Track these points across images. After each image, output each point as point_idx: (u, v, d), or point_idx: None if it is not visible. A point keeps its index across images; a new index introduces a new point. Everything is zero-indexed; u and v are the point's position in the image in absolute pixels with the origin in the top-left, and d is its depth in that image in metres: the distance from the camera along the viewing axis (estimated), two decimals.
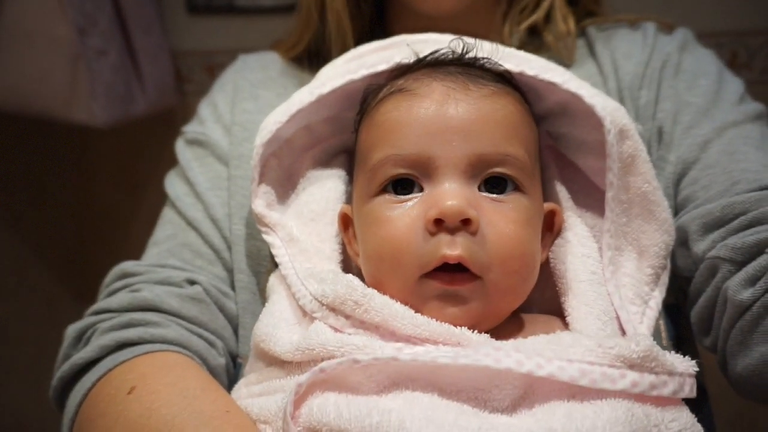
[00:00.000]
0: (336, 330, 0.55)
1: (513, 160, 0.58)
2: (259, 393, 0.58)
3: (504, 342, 0.52)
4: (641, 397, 0.50)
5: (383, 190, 0.59)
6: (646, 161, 0.62)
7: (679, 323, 0.71)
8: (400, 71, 0.64)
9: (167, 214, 0.76)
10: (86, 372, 0.63)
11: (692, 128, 0.70)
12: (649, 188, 0.62)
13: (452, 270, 0.55)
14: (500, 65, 0.63)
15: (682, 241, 0.66)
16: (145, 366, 0.61)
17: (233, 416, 0.55)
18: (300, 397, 0.49)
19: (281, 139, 0.67)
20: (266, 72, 0.81)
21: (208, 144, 0.77)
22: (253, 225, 0.69)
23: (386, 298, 0.55)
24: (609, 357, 0.49)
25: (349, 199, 0.67)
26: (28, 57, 1.31)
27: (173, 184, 0.77)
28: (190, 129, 0.80)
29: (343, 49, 0.74)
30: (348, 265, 0.65)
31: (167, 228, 0.74)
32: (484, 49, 0.63)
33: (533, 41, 0.78)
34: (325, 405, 0.48)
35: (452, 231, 0.54)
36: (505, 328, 0.58)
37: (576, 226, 0.63)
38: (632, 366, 0.50)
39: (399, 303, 0.54)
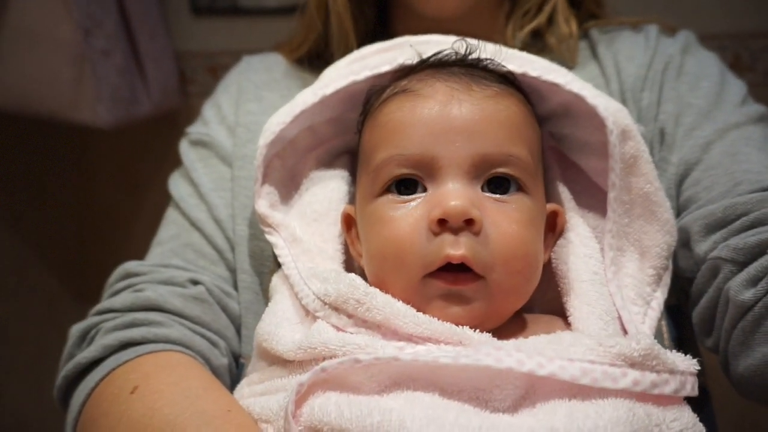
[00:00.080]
0: (338, 329, 0.55)
1: (516, 161, 0.58)
2: (261, 392, 0.58)
3: (505, 341, 0.52)
4: (643, 397, 0.50)
5: (387, 190, 0.59)
6: (648, 162, 0.62)
7: (681, 324, 0.71)
8: (403, 72, 0.64)
9: (171, 214, 0.76)
10: (90, 371, 0.63)
11: (694, 130, 0.70)
12: (651, 189, 0.62)
13: (455, 270, 0.55)
14: (503, 66, 0.63)
15: (684, 241, 0.66)
16: (148, 365, 0.61)
17: (235, 416, 0.55)
18: (301, 397, 0.49)
19: (285, 139, 0.67)
20: (270, 73, 0.82)
21: (211, 145, 0.77)
22: (257, 225, 0.69)
23: (388, 297, 0.55)
24: (610, 356, 0.49)
25: (351, 200, 0.67)
26: (33, 58, 1.31)
27: (177, 185, 0.77)
28: (194, 130, 0.80)
29: (346, 50, 0.74)
30: (350, 266, 0.65)
31: (171, 228, 0.75)
32: (487, 51, 0.63)
33: (536, 43, 0.78)
34: (326, 404, 0.48)
35: (456, 231, 0.55)
36: (508, 328, 0.58)
37: (578, 227, 0.63)
38: (633, 364, 0.50)
39: (401, 302, 0.54)
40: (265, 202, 0.66)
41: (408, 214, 0.57)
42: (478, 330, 0.53)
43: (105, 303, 0.68)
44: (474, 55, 0.63)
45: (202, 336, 0.66)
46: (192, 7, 1.55)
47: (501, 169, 0.57)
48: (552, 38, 0.78)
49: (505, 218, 0.56)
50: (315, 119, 0.68)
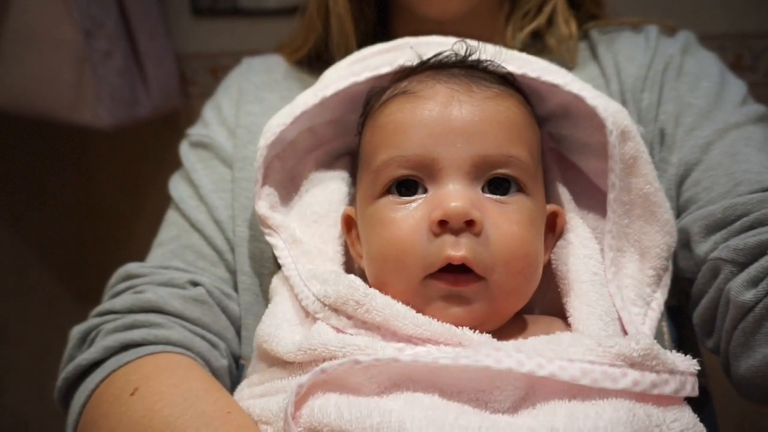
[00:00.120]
0: (338, 330, 0.55)
1: (516, 162, 0.58)
2: (261, 394, 0.58)
3: (505, 342, 0.52)
4: (643, 397, 0.50)
5: (387, 192, 0.59)
6: (647, 162, 0.62)
7: (682, 325, 0.71)
8: (404, 74, 0.64)
9: (171, 216, 0.76)
10: (90, 373, 0.63)
11: (694, 130, 0.70)
12: (651, 189, 0.62)
13: (456, 271, 0.55)
14: (503, 67, 0.63)
15: (684, 242, 0.66)
16: (149, 367, 0.61)
17: (235, 417, 0.55)
18: (301, 398, 0.49)
19: (285, 141, 0.67)
20: (270, 75, 0.82)
21: (212, 147, 0.77)
22: (257, 227, 0.69)
23: (388, 298, 0.55)
24: (610, 356, 0.49)
25: (351, 201, 0.67)
26: (34, 59, 1.31)
27: (177, 187, 0.77)
28: (195, 132, 0.80)
29: (347, 52, 0.74)
30: (350, 267, 0.65)
31: (171, 230, 0.75)
32: (487, 52, 0.63)
33: (535, 44, 0.78)
34: (326, 406, 0.48)
35: (456, 232, 0.55)
36: (507, 329, 0.58)
37: (578, 228, 0.63)
38: (633, 365, 0.50)
39: (400, 303, 0.55)
40: (265, 203, 0.67)
41: (408, 216, 0.57)
42: (477, 331, 0.53)
43: (105, 305, 0.68)
44: (474, 57, 0.63)
45: (202, 337, 0.67)
46: (192, 8, 1.55)
47: (501, 170, 0.57)
48: (552, 39, 0.78)
49: (506, 219, 0.56)
50: (315, 120, 0.68)
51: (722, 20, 1.36)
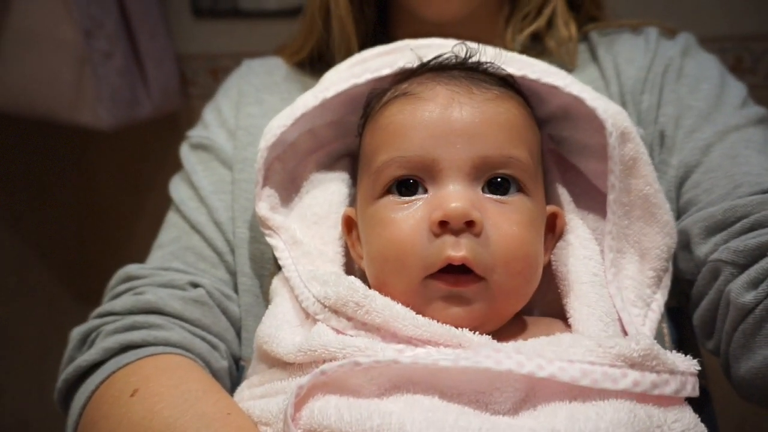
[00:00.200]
0: (338, 332, 0.55)
1: (516, 162, 0.58)
2: (261, 395, 0.58)
3: (504, 344, 0.52)
4: (644, 398, 0.50)
5: (387, 192, 0.59)
6: (647, 164, 0.62)
7: (682, 326, 0.71)
8: (404, 75, 0.64)
9: (171, 217, 0.76)
10: (90, 374, 0.63)
11: (694, 132, 0.70)
12: (651, 191, 0.62)
13: (456, 271, 0.55)
14: (503, 69, 0.63)
15: (684, 244, 0.66)
16: (149, 368, 0.61)
17: (234, 418, 0.55)
18: (301, 400, 0.49)
19: (285, 142, 0.67)
20: (271, 77, 0.82)
21: (212, 148, 0.77)
22: (257, 228, 0.69)
23: (387, 300, 0.55)
24: (610, 357, 0.49)
25: (352, 203, 0.67)
26: (34, 59, 1.32)
27: (177, 188, 0.77)
28: (195, 133, 0.80)
29: (347, 54, 0.74)
30: (351, 268, 0.65)
31: (171, 231, 0.75)
32: (487, 54, 0.63)
33: (535, 46, 0.78)
34: (325, 407, 0.48)
35: (456, 233, 0.55)
36: (507, 330, 0.58)
37: (578, 229, 0.63)
38: (633, 365, 0.50)
39: (400, 304, 0.55)
40: (266, 204, 0.67)
41: (409, 216, 0.57)
42: (477, 332, 0.53)
43: (105, 306, 0.68)
44: (474, 59, 0.63)
45: (202, 339, 0.67)
46: (193, 10, 1.55)
47: (501, 171, 0.58)
48: (551, 41, 0.78)
49: (506, 219, 0.56)
50: (315, 122, 0.68)
51: (722, 22, 1.36)
